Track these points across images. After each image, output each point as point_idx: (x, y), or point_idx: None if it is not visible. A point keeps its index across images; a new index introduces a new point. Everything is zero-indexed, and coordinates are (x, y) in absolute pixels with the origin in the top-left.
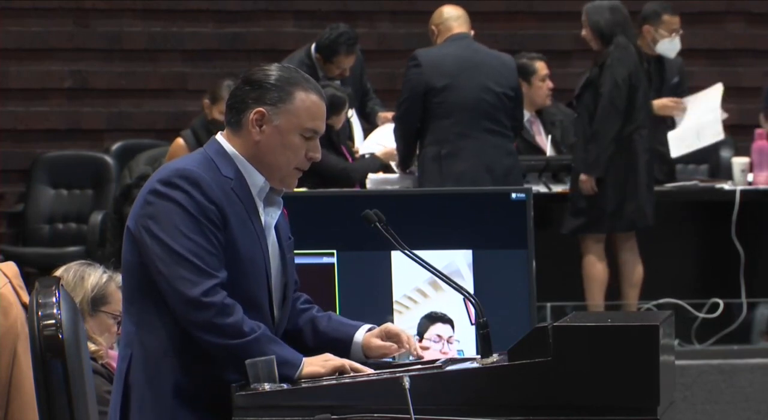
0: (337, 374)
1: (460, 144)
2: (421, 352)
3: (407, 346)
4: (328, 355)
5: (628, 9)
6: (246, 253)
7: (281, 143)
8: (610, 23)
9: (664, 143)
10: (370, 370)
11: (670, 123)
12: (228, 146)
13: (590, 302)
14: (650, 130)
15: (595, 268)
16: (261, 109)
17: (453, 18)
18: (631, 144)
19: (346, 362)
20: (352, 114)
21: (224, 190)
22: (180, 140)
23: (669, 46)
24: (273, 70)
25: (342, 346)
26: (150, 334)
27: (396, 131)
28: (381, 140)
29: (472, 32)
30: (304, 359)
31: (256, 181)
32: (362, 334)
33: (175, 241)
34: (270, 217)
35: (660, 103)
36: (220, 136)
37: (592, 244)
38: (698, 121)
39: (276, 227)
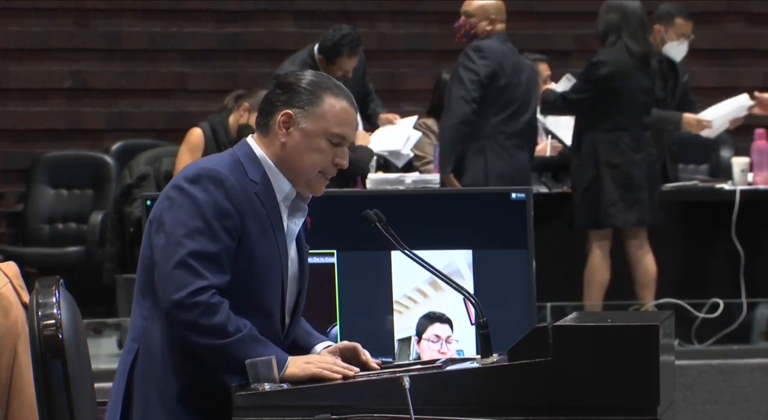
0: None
1: (505, 143)
2: (375, 366)
3: (363, 357)
4: (310, 357)
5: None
6: (263, 259)
7: (307, 146)
8: (605, 24)
9: (675, 142)
10: (356, 370)
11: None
12: (257, 149)
13: (588, 302)
14: (641, 133)
15: (598, 268)
16: (289, 111)
17: (500, 20)
18: (612, 145)
19: (327, 367)
20: None
21: (248, 194)
22: (198, 130)
23: (676, 50)
24: (306, 75)
25: (303, 354)
26: (159, 331)
27: (454, 130)
28: (382, 141)
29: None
30: (289, 359)
31: (282, 186)
32: (320, 349)
33: (181, 238)
34: (294, 224)
35: (687, 120)
36: (250, 139)
37: (596, 244)
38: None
39: (297, 235)
